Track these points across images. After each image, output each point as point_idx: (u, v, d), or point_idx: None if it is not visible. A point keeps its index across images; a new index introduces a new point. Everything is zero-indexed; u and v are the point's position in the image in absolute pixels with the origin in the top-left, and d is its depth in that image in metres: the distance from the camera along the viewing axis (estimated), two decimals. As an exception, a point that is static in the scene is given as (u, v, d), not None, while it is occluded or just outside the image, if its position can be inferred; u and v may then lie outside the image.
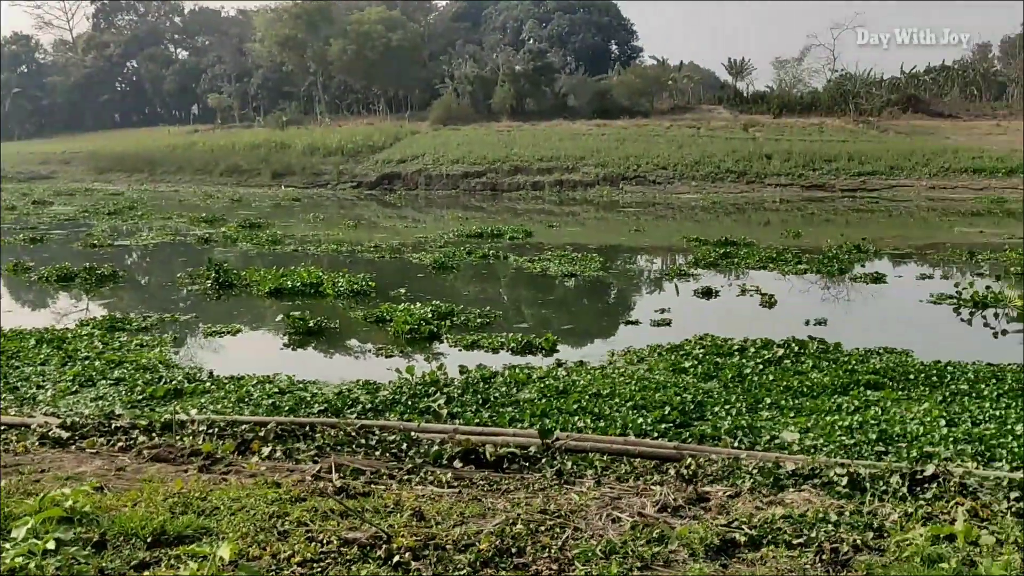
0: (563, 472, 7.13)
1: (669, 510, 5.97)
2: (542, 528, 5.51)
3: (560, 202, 46.56)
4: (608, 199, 47.25)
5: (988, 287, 17.16)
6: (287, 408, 9.53)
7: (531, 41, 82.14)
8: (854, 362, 11.54)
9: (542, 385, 10.33)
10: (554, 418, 8.99)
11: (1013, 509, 5.95)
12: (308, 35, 79.87)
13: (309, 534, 5.36)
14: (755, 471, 6.91)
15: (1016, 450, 7.84)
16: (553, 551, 5.15)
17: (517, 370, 11.22)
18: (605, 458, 7.53)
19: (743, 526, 5.52)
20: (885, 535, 5.45)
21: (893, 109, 64.85)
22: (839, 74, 70.74)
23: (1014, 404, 9.46)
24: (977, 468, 7.17)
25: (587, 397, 9.75)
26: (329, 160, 60.84)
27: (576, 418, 8.99)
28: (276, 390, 10.36)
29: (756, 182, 49.51)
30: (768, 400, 9.77)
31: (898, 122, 62.04)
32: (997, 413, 9.09)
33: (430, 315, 14.84)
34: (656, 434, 8.55)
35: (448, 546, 5.19)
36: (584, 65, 77.05)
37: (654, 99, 72.13)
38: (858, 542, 5.27)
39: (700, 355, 11.97)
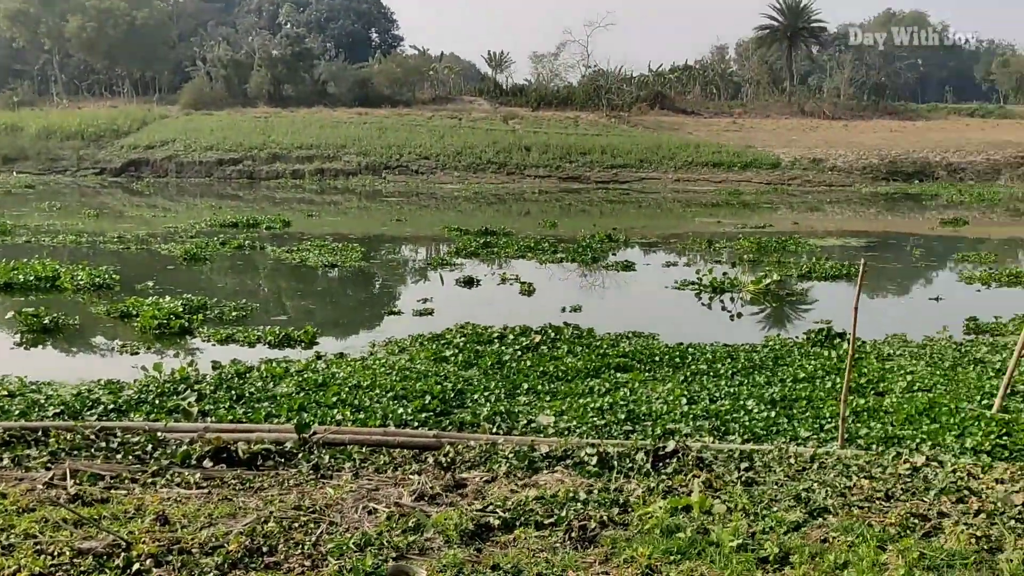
0: (320, 466, 6.98)
1: (426, 498, 5.98)
2: (296, 525, 5.36)
3: (321, 191, 45.74)
4: (370, 188, 46.94)
5: (725, 273, 18.50)
6: (17, 412, 8.74)
7: (288, 25, 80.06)
8: (606, 346, 12.07)
9: (300, 379, 10.09)
10: (312, 412, 8.79)
11: (743, 479, 6.43)
12: (41, 10, 73.69)
13: (38, 546, 4.94)
14: (511, 455, 7.05)
15: (747, 424, 8.48)
16: (306, 547, 5.03)
17: (274, 364, 10.91)
18: (364, 450, 7.45)
19: (498, 510, 5.62)
20: (629, 510, 5.72)
21: (642, 105, 68.51)
22: (592, 70, 73.88)
23: (746, 381, 10.24)
24: (713, 442, 7.69)
25: (347, 389, 9.62)
26: (68, 145, 56.40)
27: (335, 411, 8.84)
28: (5, 393, 9.49)
29: (516, 173, 50.83)
30: (526, 385, 10.03)
31: (646, 117, 65.67)
32: (731, 390, 9.81)
33: (181, 309, 14.13)
34: (416, 423, 8.56)
35: (194, 550, 4.95)
36: (344, 52, 76.07)
37: (415, 89, 72.36)
38: (604, 518, 5.50)
39: (461, 344, 12.11)
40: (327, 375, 10.28)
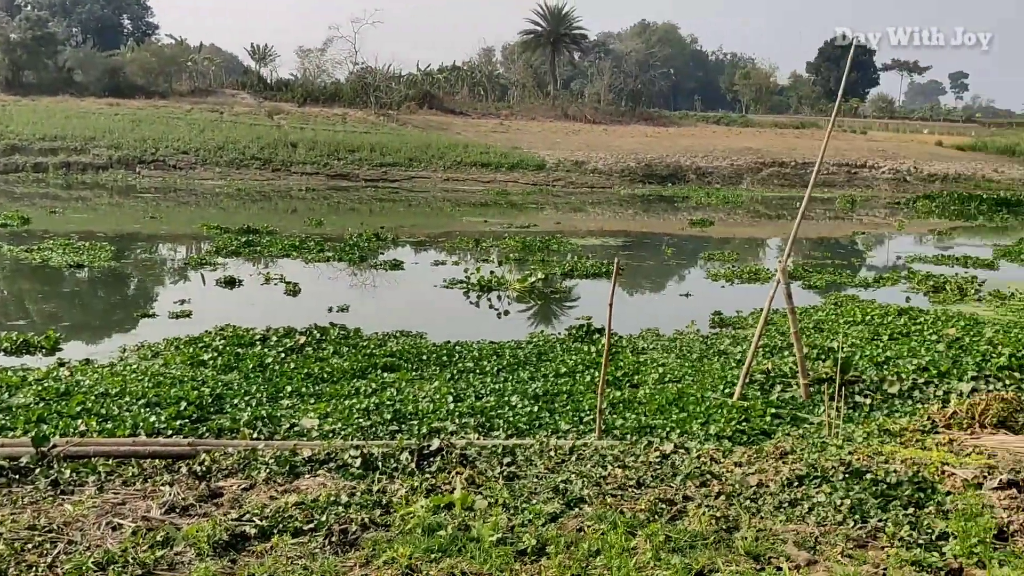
0: (60, 482, 6.46)
1: (178, 510, 5.68)
2: (29, 546, 4.94)
3: (67, 186, 42.61)
4: (123, 184, 44.23)
5: (492, 272, 18.84)
6: None
7: (29, 8, 74.10)
8: (373, 346, 11.97)
9: (40, 388, 9.33)
10: (53, 423, 8.14)
11: (505, 473, 6.55)
12: None
13: None
14: (272, 461, 6.83)
15: (511, 419, 8.65)
16: (40, 570, 4.65)
17: (10, 373, 10.04)
18: (111, 462, 6.96)
19: (255, 518, 5.42)
20: (392, 510, 5.68)
21: (411, 104, 68.77)
22: (361, 67, 73.32)
23: (511, 377, 10.47)
24: (478, 439, 7.79)
25: (93, 397, 8.99)
26: None
27: (79, 421, 8.22)
28: None
29: (282, 170, 49.48)
30: (289, 388, 9.77)
31: (415, 117, 65.93)
32: (497, 387, 9.99)
33: (-101, 314, 12.74)
34: (171, 431, 8.11)
35: (-94, 584, 4.45)
36: (92, 38, 71.39)
37: (173, 80, 68.97)
38: (366, 520, 5.43)
39: (220, 346, 11.63)
40: (71, 383, 9.57)
